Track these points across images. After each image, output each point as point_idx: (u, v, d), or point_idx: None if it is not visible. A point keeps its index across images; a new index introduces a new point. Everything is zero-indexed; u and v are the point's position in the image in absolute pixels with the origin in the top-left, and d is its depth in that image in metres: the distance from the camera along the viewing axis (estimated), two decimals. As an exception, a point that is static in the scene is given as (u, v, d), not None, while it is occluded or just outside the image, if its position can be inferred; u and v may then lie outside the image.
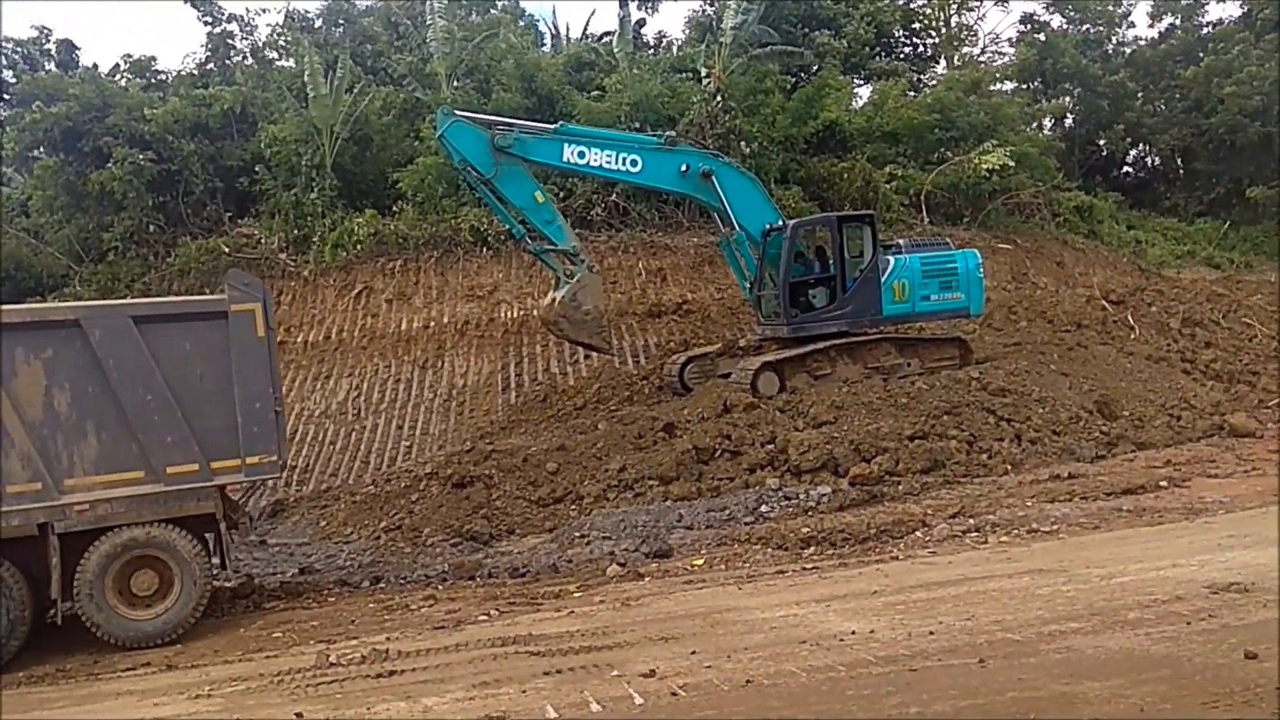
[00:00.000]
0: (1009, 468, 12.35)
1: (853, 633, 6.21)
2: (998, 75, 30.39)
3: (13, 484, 8.06)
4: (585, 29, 30.22)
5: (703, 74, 22.45)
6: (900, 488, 11.79)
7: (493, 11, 28.43)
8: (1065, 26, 33.11)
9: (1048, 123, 32.69)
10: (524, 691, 5.67)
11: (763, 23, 23.28)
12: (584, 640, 6.76)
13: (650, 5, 28.96)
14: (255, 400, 8.83)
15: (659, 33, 30.82)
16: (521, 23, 29.29)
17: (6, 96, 23.58)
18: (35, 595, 8.23)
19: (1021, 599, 6.67)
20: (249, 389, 8.80)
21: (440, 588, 9.59)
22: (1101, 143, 33.02)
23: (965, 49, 32.04)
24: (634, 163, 14.74)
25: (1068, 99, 32.38)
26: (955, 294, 15.40)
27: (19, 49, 24.17)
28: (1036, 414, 13.60)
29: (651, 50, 28.17)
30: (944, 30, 31.42)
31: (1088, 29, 32.97)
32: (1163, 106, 32.31)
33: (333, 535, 12.57)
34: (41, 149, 20.40)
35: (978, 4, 31.85)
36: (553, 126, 14.67)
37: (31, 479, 8.12)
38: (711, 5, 27.54)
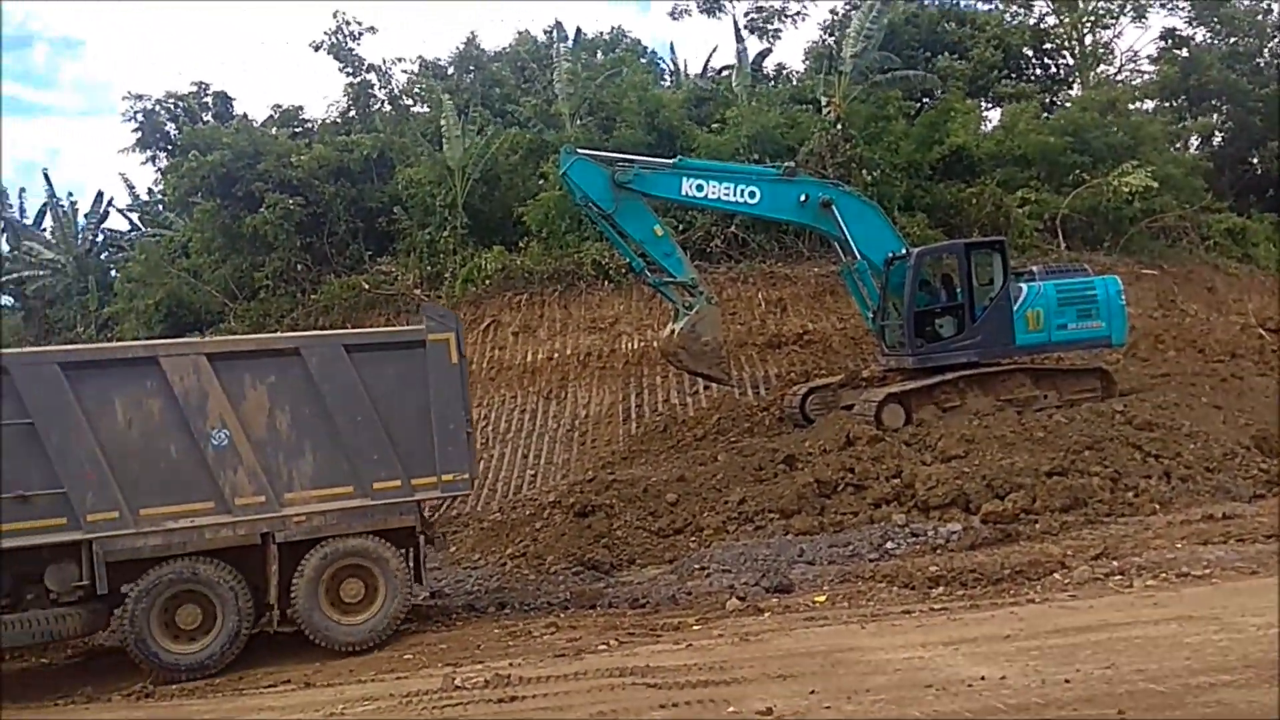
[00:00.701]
0: (1157, 507, 11.61)
1: (982, 678, 5.96)
2: (1137, 94, 29.01)
3: (241, 497, 8.77)
4: (706, 64, 30.46)
5: (823, 103, 22.32)
6: (1037, 526, 11.24)
7: (616, 51, 29.11)
8: (1210, 40, 31.32)
9: (1194, 142, 30.91)
10: (642, 723, 5.68)
11: (883, 49, 23.00)
12: (701, 674, 6.72)
13: (770, 36, 29.04)
14: (450, 422, 9.43)
15: (779, 65, 30.77)
16: (643, 60, 29.87)
17: (170, 147, 25.64)
18: (255, 603, 8.89)
19: (1167, 647, 6.26)
20: (444, 412, 9.40)
21: (562, 615, 9.73)
22: (1255, 161, 30.94)
23: (1101, 68, 30.73)
24: (752, 194, 14.75)
25: (1215, 116, 30.55)
26: (1095, 322, 14.73)
27: (180, 103, 26.23)
28: (1187, 450, 12.78)
29: (771, 82, 28.22)
30: (1078, 50, 30.24)
31: (1235, 41, 31.08)
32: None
33: (461, 560, 12.91)
34: (200, 194, 22.03)
35: (1114, 21, 30.50)
36: (671, 161, 14.85)
37: (256, 492, 8.84)
38: (831, 35, 27.42)
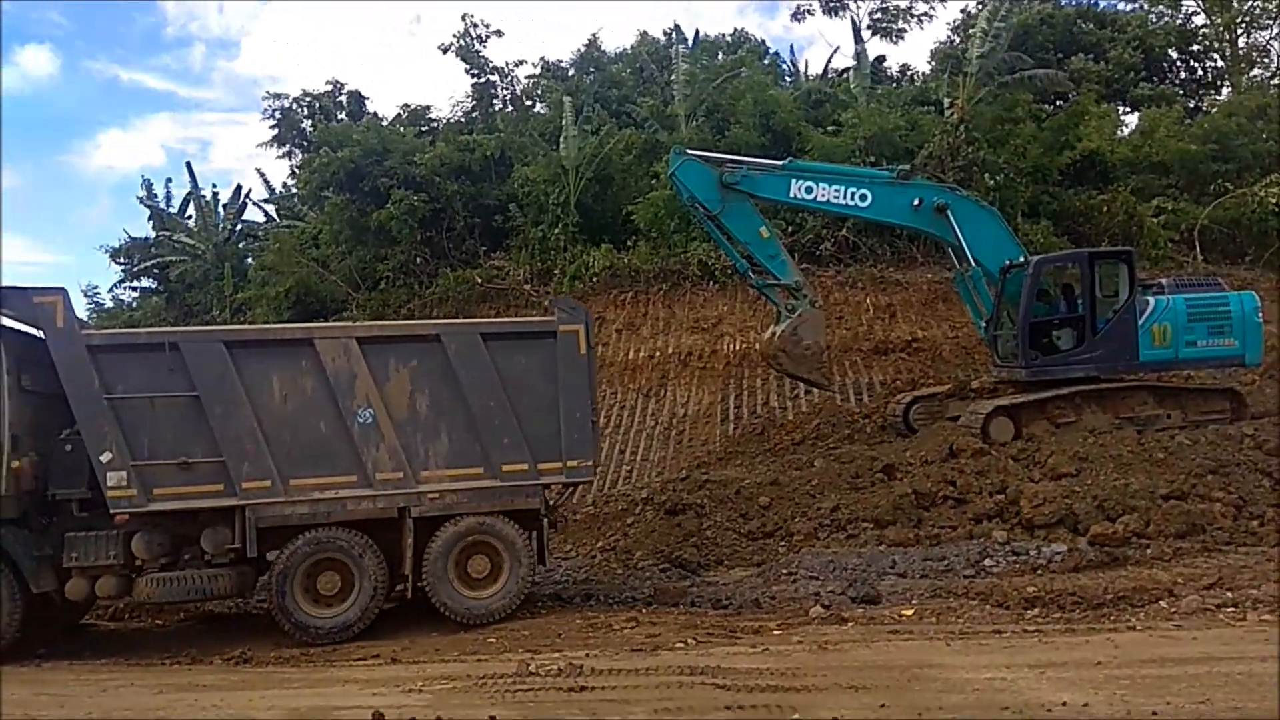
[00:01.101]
0: (1282, 538, 10.84)
1: (1064, 704, 5.68)
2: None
3: (381, 472, 9.29)
4: (826, 65, 30.05)
5: (945, 105, 21.68)
6: (1148, 552, 10.61)
7: (736, 53, 29.03)
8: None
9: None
10: (702, 722, 5.67)
11: (1014, 50, 22.16)
12: (772, 679, 6.64)
13: (893, 37, 28.39)
14: (576, 410, 9.77)
15: (903, 65, 30.06)
16: (763, 61, 29.67)
17: (305, 143, 26.97)
18: (390, 573, 9.42)
19: (1269, 685, 5.82)
20: (572, 400, 9.74)
21: (644, 611, 9.76)
22: None
23: (1255, 71, 28.81)
24: (863, 197, 14.46)
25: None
26: (1228, 340, 13.82)
27: (316, 101, 27.55)
28: (1322, 479, 11.86)
29: (894, 84, 27.60)
30: (1229, 52, 28.43)
31: None
32: None
33: (553, 551, 13.09)
34: (330, 189, 23.09)
35: (1271, 22, 28.57)
36: (780, 163, 14.71)
37: (396, 469, 9.34)
38: (959, 35, 26.60)
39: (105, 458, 8.71)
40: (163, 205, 29.61)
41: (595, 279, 20.47)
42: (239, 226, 29.05)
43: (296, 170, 27.65)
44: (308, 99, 27.53)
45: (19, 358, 8.98)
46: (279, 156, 28.34)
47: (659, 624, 9.10)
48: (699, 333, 19.05)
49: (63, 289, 9.00)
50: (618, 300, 20.12)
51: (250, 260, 27.26)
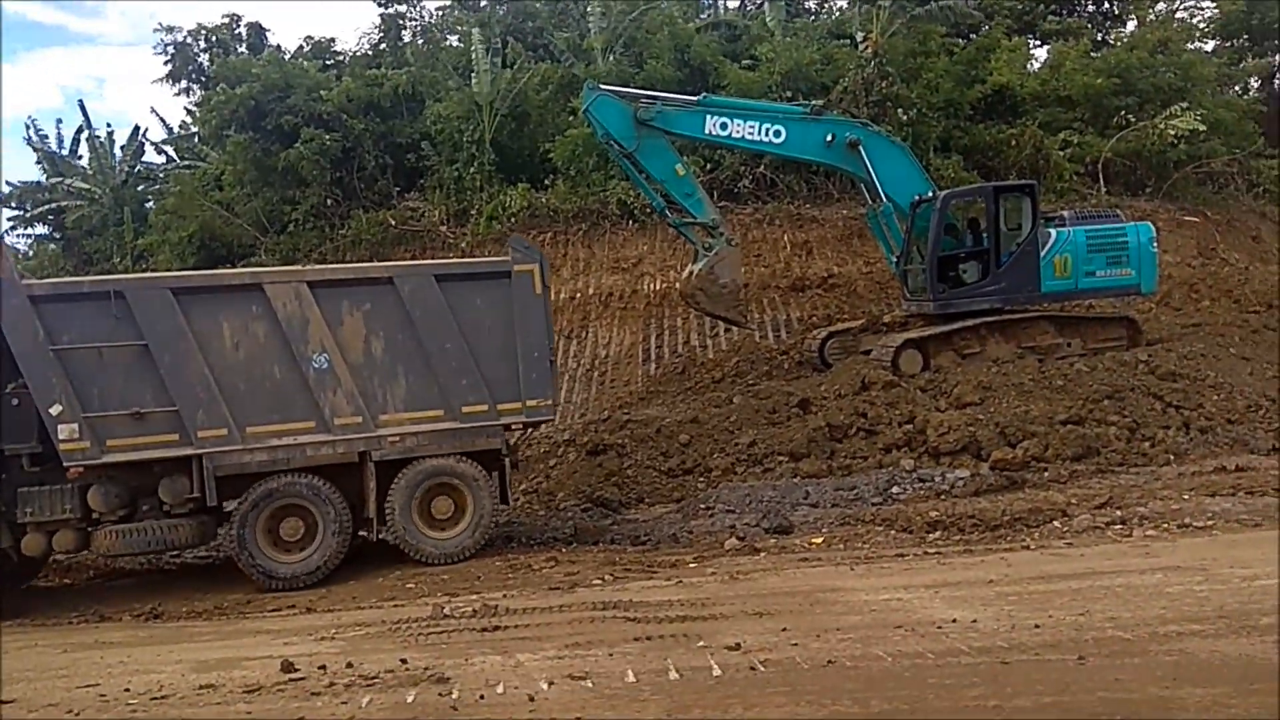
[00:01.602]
0: (1171, 458, 11.47)
1: (953, 621, 5.98)
2: (1195, 33, 27.73)
3: (340, 417, 9.31)
4: (744, -2, 29.64)
5: (859, 39, 21.69)
6: (1046, 475, 11.17)
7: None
8: (1280, -27, 29.72)
9: (1254, 84, 29.54)
10: (611, 655, 5.80)
11: (928, -18, 22.18)
12: (682, 610, 6.83)
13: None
14: (534, 350, 9.84)
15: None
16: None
17: (203, 80, 25.69)
18: (353, 518, 9.49)
19: (1146, 596, 6.22)
20: (529, 340, 9.81)
21: (564, 551, 9.90)
22: (1317, 104, 29.54)
23: (1160, 5, 29.39)
24: (777, 133, 14.48)
25: (1278, 57, 29.16)
26: (1125, 270, 14.39)
27: (213, 35, 26.18)
28: (1210, 401, 12.55)
29: (813, 16, 27.43)
30: (1134, -17, 28.91)
31: (1306, -24, 29.48)
32: (1395, 61, 28.59)
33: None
34: (232, 128, 22.08)
35: (1176, -47, 29.07)
36: (695, 98, 14.60)
37: (354, 414, 9.36)
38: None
39: (55, 410, 8.62)
40: (54, 148, 28.00)
41: (513, 219, 20.08)
42: (137, 168, 27.65)
43: (194, 109, 26.40)
44: (204, 32, 26.17)
45: None
46: (175, 94, 27.01)
47: (578, 562, 9.25)
48: (619, 273, 18.99)
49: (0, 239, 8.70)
50: (536, 241, 19.64)
51: (150, 204, 26.08)
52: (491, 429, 9.76)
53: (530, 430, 10.80)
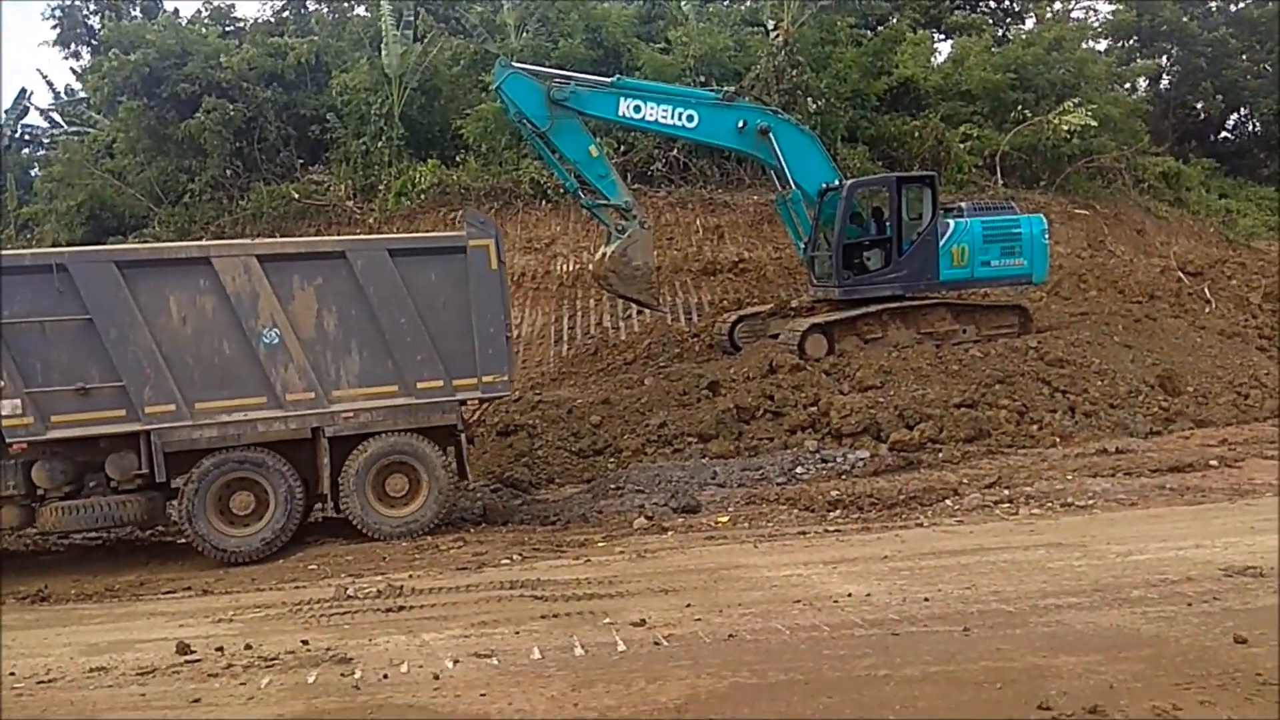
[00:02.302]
0: (1057, 440, 12.07)
1: (849, 595, 6.22)
2: (1091, 31, 28.96)
3: (291, 392, 9.20)
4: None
5: (770, 27, 21.96)
6: (940, 455, 11.62)
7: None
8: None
9: (1142, 84, 31.06)
10: (517, 633, 5.85)
11: (837, -27, 22.58)
12: (589, 588, 6.91)
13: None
14: (490, 326, 9.78)
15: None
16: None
17: (94, 43, 24.41)
18: (306, 494, 9.43)
19: (1029, 571, 6.57)
20: (484, 315, 9.74)
21: (472, 531, 9.85)
22: (1199, 106, 31.30)
23: (1056, 4, 30.58)
24: (690, 118, 14.57)
25: (1165, 59, 30.72)
26: (1018, 260, 14.96)
27: (102, -4, 24.94)
28: (1094, 386, 13.22)
29: (727, 3, 27.62)
30: (1034, -17, 30.01)
31: (1190, -17, 31.08)
32: (1268, 69, 30.40)
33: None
34: (124, 95, 21.07)
35: (1071, -43, 30.30)
36: (609, 80, 14.58)
37: (306, 389, 9.26)
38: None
39: None
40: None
41: (423, 196, 19.72)
42: (19, 133, 26.16)
43: (83, 73, 25.07)
44: (94, -9, 24.90)
45: None
46: (64, 58, 25.63)
47: (486, 543, 9.23)
48: (532, 253, 18.87)
49: None
50: (447, 219, 19.46)
51: (36, 172, 24.70)
52: (447, 405, 9.72)
53: (486, 405, 10.72)
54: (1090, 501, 9.18)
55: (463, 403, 9.91)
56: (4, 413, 8.47)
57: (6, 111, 26.50)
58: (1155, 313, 16.57)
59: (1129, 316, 16.07)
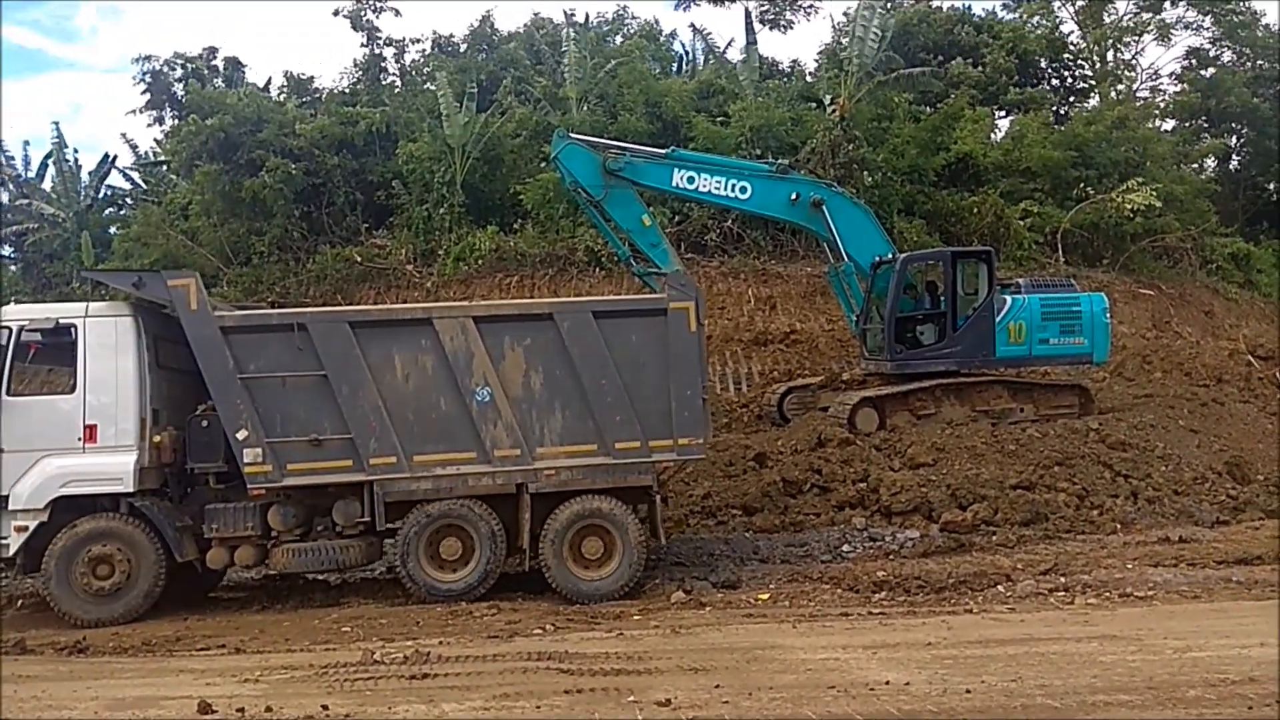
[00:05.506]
0: (1118, 526, 11.58)
1: (887, 683, 5.94)
2: (1157, 111, 28.65)
3: (499, 449, 9.56)
4: (720, 55, 30.20)
5: (827, 101, 22.17)
6: (994, 539, 11.21)
7: (630, 32, 28.95)
8: (1234, 62, 30.87)
9: (1210, 164, 30.49)
10: (538, 707, 5.69)
11: (894, 50, 22.79)
12: (617, 663, 6.73)
13: (783, 28, 28.81)
14: (687, 388, 9.86)
15: (793, 60, 30.49)
16: (658, 43, 29.68)
17: (178, 111, 25.60)
18: (508, 544, 9.72)
19: (1079, 665, 6.22)
20: (682, 377, 9.83)
21: (508, 598, 9.72)
22: (1270, 186, 30.56)
23: (1121, 85, 30.35)
24: (743, 189, 14.67)
25: (1235, 139, 30.16)
26: (1077, 339, 14.57)
27: (189, 64, 26.19)
28: (1158, 471, 12.70)
29: (785, 79, 28.01)
30: (1098, 65, 29.89)
31: (1259, 65, 30.63)
32: (1343, 150, 29.61)
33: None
34: (202, 158, 21.99)
35: (1136, 40, 30.15)
36: (664, 151, 14.79)
37: (513, 446, 9.59)
38: (843, 35, 27.16)
39: (241, 435, 9.19)
40: (20, 169, 27.73)
41: (480, 261, 20.11)
42: (102, 194, 27.40)
43: (164, 138, 26.27)
44: (180, 61, 26.16)
45: (155, 336, 9.53)
46: (149, 124, 26.91)
47: (521, 611, 9.12)
48: (583, 320, 18.96)
49: (194, 273, 9.60)
50: (503, 284, 19.85)
51: (114, 231, 25.78)
52: (643, 465, 9.80)
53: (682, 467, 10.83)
54: (1150, 592, 8.73)
55: (657, 464, 10.00)
56: (246, 460, 9.14)
57: (91, 173, 27.82)
58: (1223, 397, 15.95)
59: (1195, 400, 15.48)
